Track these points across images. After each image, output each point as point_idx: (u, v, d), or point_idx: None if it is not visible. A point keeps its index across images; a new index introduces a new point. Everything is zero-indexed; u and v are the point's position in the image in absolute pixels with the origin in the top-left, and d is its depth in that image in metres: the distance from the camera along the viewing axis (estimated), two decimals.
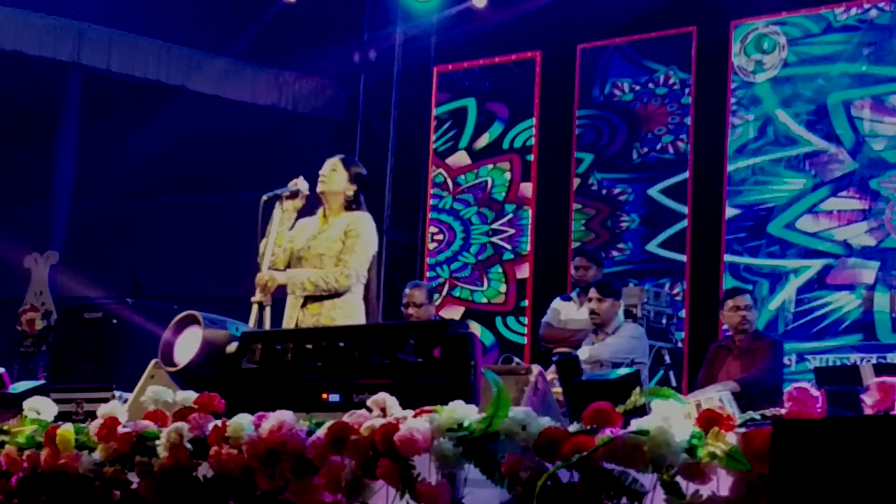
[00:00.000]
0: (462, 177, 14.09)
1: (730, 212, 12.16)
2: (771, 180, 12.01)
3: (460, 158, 14.14)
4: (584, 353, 9.02)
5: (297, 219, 7.38)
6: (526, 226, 13.57)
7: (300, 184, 7.26)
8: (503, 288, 13.66)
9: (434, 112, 14.40)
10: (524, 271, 13.55)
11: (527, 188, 13.70)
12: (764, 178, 12.04)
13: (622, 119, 13.14)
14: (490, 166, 13.94)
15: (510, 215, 13.68)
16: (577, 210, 13.20)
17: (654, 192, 12.76)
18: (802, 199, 11.81)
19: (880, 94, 11.57)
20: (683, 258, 12.46)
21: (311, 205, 7.43)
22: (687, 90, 12.70)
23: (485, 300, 13.71)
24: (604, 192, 13.10)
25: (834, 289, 11.56)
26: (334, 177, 7.33)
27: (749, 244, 12.03)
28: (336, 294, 7.12)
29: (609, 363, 8.84)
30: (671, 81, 12.82)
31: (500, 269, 13.69)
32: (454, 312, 13.70)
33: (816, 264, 11.67)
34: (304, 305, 7.19)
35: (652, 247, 12.70)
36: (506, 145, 13.87)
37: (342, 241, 7.18)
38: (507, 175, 13.78)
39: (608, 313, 9.30)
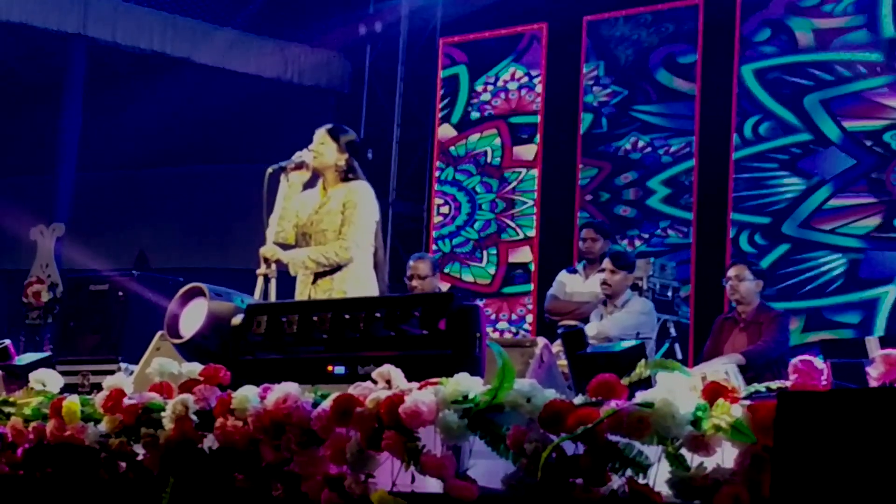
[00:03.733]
0: (453, 148, 14.09)
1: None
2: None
3: (446, 131, 14.18)
4: (591, 328, 9.02)
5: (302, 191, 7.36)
6: (530, 194, 13.56)
7: (305, 156, 7.24)
8: (493, 270, 13.72)
9: (440, 84, 14.38)
10: (520, 254, 13.57)
11: (521, 151, 13.74)
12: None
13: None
14: (477, 135, 13.95)
15: (513, 183, 13.66)
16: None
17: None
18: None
19: None
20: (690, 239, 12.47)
21: (317, 176, 7.42)
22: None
23: (471, 279, 13.75)
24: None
25: None
26: (324, 150, 7.28)
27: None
28: (340, 266, 7.11)
29: (617, 339, 8.85)
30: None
31: (495, 251, 13.73)
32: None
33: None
34: (314, 282, 7.18)
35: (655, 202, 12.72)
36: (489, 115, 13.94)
37: (342, 213, 7.17)
38: (497, 141, 13.80)
39: (620, 285, 9.31)
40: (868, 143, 11.49)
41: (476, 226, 13.87)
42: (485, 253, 13.77)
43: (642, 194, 12.80)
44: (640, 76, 12.99)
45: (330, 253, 7.09)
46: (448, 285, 13.54)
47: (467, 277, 13.80)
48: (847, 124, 11.64)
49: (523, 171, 13.68)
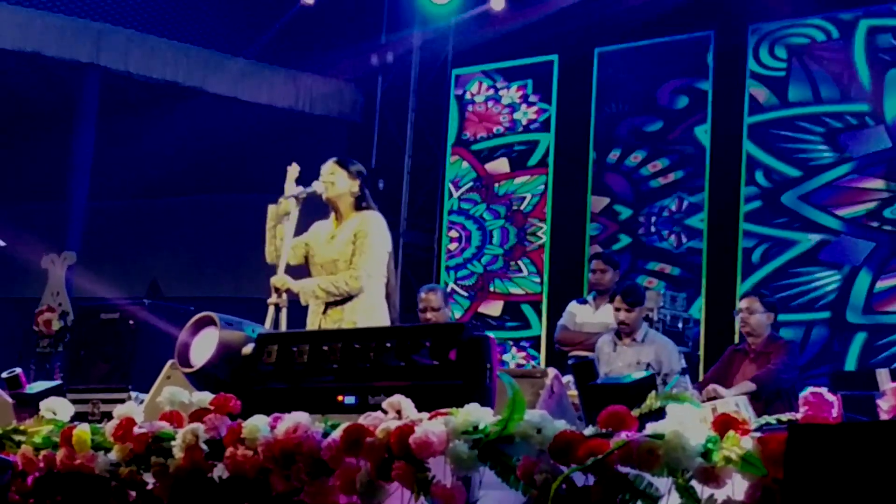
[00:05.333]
0: (498, 185, 14.05)
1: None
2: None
3: (500, 165, 14.10)
4: (622, 357, 9.11)
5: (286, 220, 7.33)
6: (541, 228, 13.56)
7: (316, 186, 7.25)
8: (537, 278, 13.66)
9: (450, 114, 14.40)
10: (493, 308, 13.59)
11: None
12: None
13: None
14: (527, 177, 13.90)
15: (532, 228, 13.67)
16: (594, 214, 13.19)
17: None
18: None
19: None
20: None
21: (324, 207, 7.43)
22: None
23: (521, 291, 13.70)
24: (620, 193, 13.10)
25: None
26: (335, 179, 7.30)
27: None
28: (351, 296, 7.11)
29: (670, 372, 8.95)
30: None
31: (529, 260, 13.67)
32: (494, 307, 13.73)
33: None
34: (325, 312, 7.18)
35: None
36: (540, 155, 13.84)
37: (353, 243, 7.17)
38: (541, 188, 13.75)
39: (636, 321, 9.29)
40: (875, 225, 11.49)
41: (494, 243, 13.83)
42: (520, 263, 13.74)
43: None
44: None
45: (340, 282, 7.09)
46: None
47: None
48: (840, 212, 11.71)
49: (528, 195, 13.71)
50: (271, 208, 7.39)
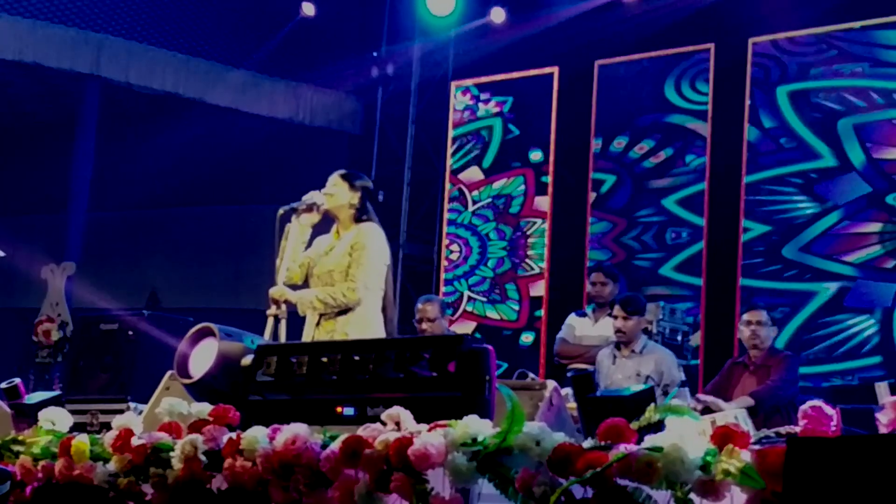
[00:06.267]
0: (476, 192, 14.00)
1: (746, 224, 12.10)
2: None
3: (473, 174, 14.06)
4: (620, 370, 9.08)
5: (311, 234, 7.37)
6: (542, 239, 13.50)
7: (316, 197, 7.26)
8: (517, 306, 13.60)
9: (451, 126, 14.37)
10: (539, 288, 13.46)
11: (542, 202, 13.58)
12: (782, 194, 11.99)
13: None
14: (504, 180, 13.87)
15: (526, 230, 13.60)
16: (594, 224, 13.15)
17: (669, 202, 12.72)
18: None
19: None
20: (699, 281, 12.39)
21: (327, 219, 7.44)
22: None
23: (497, 317, 13.64)
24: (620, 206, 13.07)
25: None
26: (335, 191, 7.33)
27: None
28: (348, 308, 7.12)
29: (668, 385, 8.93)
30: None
31: (514, 286, 13.60)
32: (466, 327, 13.63)
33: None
34: (318, 323, 7.19)
35: (667, 270, 12.63)
36: (520, 160, 13.80)
37: (350, 254, 7.18)
38: (522, 188, 13.70)
39: (634, 331, 9.24)
40: (889, 266, 11.42)
41: (490, 264, 13.79)
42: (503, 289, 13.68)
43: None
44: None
45: (337, 294, 7.09)
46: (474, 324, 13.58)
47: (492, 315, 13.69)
48: (849, 258, 11.64)
49: (538, 220, 13.62)
50: (287, 226, 7.39)
